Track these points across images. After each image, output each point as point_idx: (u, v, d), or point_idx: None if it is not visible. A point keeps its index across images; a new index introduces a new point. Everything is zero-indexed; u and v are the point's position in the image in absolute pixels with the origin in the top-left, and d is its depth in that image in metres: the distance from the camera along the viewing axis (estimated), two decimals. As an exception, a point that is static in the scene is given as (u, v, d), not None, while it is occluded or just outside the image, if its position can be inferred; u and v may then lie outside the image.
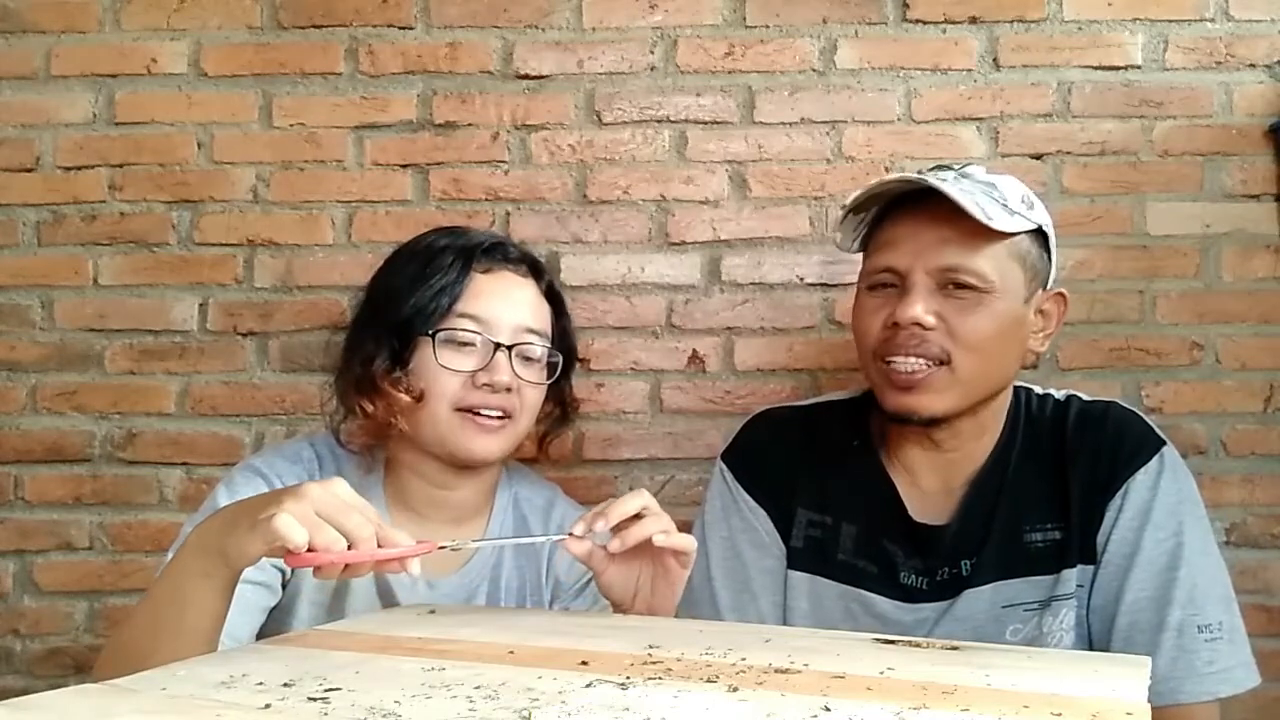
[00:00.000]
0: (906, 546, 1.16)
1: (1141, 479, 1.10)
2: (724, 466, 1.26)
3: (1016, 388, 1.20)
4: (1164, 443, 1.13)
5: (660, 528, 0.93)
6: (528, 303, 1.16)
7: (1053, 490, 1.14)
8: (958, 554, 1.14)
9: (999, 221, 1.05)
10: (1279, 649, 1.48)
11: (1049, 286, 1.15)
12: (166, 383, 1.62)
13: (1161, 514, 1.09)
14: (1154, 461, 1.11)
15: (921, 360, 1.07)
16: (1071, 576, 1.11)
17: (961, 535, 1.14)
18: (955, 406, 1.09)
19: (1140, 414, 1.17)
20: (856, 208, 1.13)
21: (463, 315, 1.11)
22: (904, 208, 1.11)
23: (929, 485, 1.18)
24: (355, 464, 1.16)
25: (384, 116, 1.62)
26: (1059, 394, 1.21)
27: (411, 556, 0.84)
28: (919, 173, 1.13)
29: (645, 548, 0.95)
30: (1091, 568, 1.11)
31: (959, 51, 1.60)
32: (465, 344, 1.11)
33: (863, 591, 1.16)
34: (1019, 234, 1.08)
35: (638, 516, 0.93)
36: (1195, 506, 1.11)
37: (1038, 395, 1.21)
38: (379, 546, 0.82)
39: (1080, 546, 1.11)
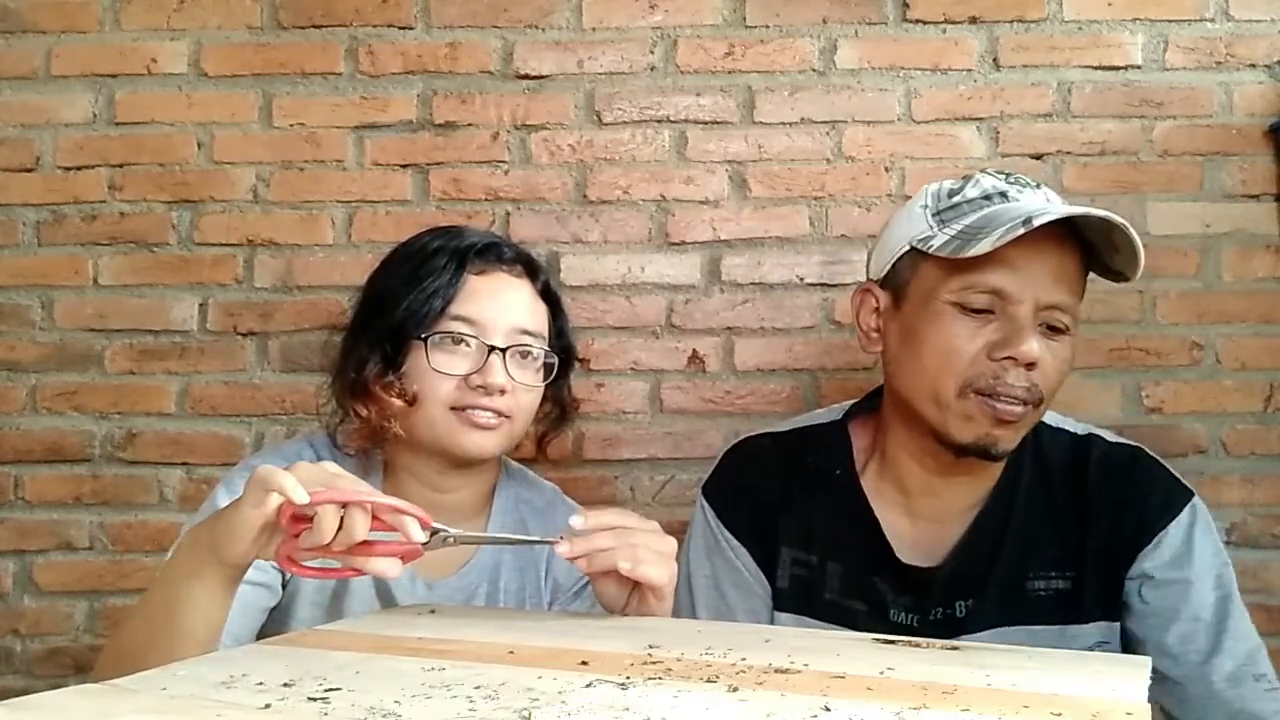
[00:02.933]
0: (895, 584, 1.11)
1: (1174, 532, 1.05)
2: (705, 503, 1.20)
3: None
4: (1192, 494, 1.08)
5: (627, 560, 0.88)
6: (522, 303, 1.15)
7: (1063, 538, 1.08)
8: (952, 595, 1.09)
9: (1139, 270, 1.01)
10: (1279, 648, 1.47)
11: None
12: (166, 383, 1.62)
13: (1201, 567, 1.04)
14: (1185, 513, 1.06)
15: (1025, 403, 1.01)
16: (1086, 632, 1.07)
17: (956, 577, 1.09)
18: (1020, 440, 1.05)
19: (1165, 464, 1.11)
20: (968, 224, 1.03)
21: (456, 318, 1.11)
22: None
23: (924, 511, 1.12)
24: (353, 466, 1.15)
25: (384, 116, 1.62)
26: (1077, 428, 1.14)
27: (409, 515, 0.81)
28: (1018, 181, 1.07)
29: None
30: (1116, 625, 1.08)
31: (959, 51, 1.60)
32: (458, 345, 1.11)
33: (852, 632, 1.09)
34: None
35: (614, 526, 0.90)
36: (1225, 564, 1.06)
37: (1051, 428, 1.13)
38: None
39: (1100, 603, 1.06)
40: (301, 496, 0.79)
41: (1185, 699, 1.03)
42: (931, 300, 1.04)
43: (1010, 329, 1.00)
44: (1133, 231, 0.97)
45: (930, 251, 1.04)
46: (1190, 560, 1.05)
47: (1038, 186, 1.07)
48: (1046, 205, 1.03)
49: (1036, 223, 0.96)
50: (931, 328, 1.04)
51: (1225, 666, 1.01)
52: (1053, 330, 1.02)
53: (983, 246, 0.98)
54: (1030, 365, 0.99)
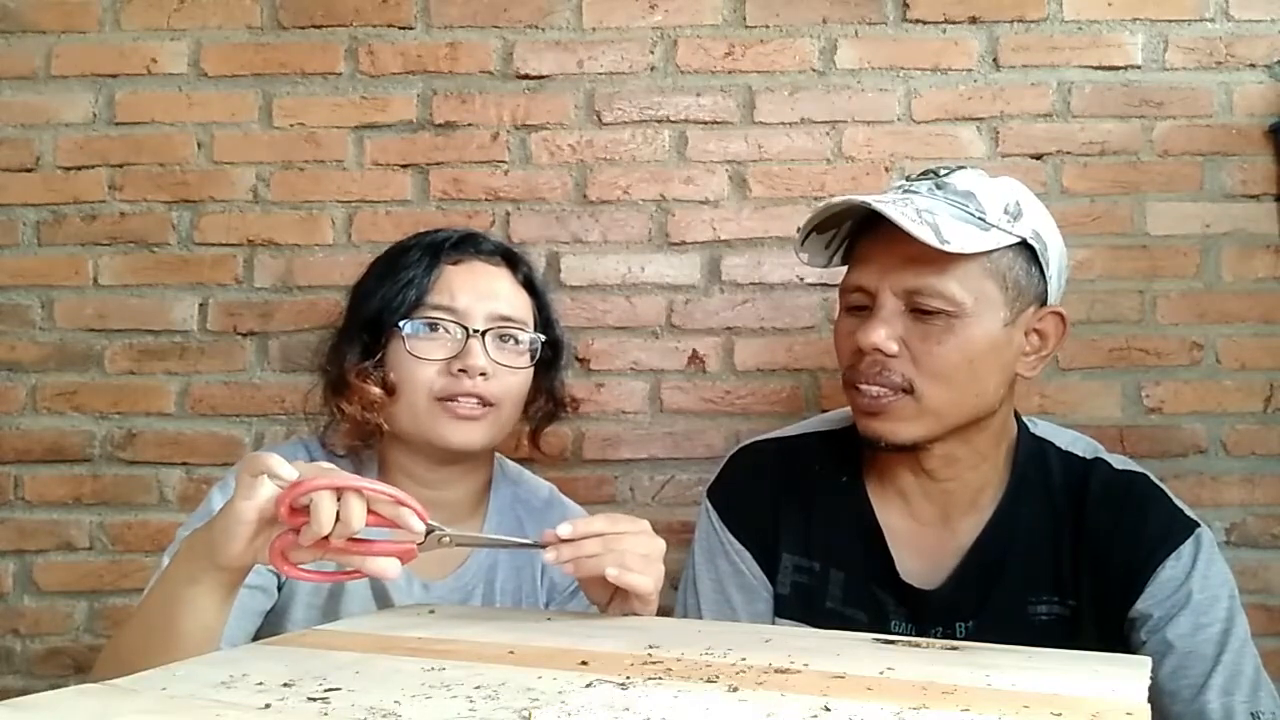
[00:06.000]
0: (895, 597, 1.10)
1: (1171, 567, 1.03)
2: (709, 505, 1.21)
3: (1039, 439, 1.13)
4: (1195, 526, 1.05)
5: (614, 567, 0.88)
6: (501, 290, 1.15)
7: (1063, 564, 1.07)
8: (952, 616, 1.08)
9: (958, 242, 0.97)
10: (1279, 648, 1.47)
11: (1049, 303, 1.07)
12: (166, 383, 1.62)
13: (1202, 600, 1.01)
14: (1187, 546, 1.03)
15: (883, 389, 1.02)
16: None
17: (954, 599, 1.08)
18: (926, 434, 1.04)
19: (1169, 492, 1.09)
20: (821, 225, 1.08)
21: (433, 306, 1.11)
22: (875, 222, 1.03)
23: (924, 515, 1.11)
24: (347, 466, 1.15)
25: (384, 116, 1.62)
26: (1086, 451, 1.12)
27: (406, 506, 0.80)
28: (909, 178, 1.09)
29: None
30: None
31: (959, 51, 1.60)
32: (436, 330, 1.10)
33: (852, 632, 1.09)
34: (992, 251, 1.01)
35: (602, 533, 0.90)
36: (1232, 595, 1.03)
37: (1059, 449, 1.12)
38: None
39: (1099, 635, 1.03)
40: (289, 471, 0.79)
41: None
42: (839, 308, 1.12)
43: (866, 320, 1.04)
44: (871, 203, 1.00)
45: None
46: (1189, 595, 1.02)
47: (935, 176, 1.06)
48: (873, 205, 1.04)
49: (804, 223, 1.08)
50: (835, 332, 1.12)
51: (1219, 702, 0.98)
52: (925, 313, 1.02)
53: (804, 256, 1.13)
54: (877, 350, 1.02)
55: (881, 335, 1.01)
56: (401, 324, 1.10)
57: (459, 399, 1.09)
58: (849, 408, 1.23)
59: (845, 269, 1.12)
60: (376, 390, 1.09)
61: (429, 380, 1.09)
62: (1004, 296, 1.02)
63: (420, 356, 1.09)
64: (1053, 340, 1.08)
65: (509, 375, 1.12)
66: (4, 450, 1.62)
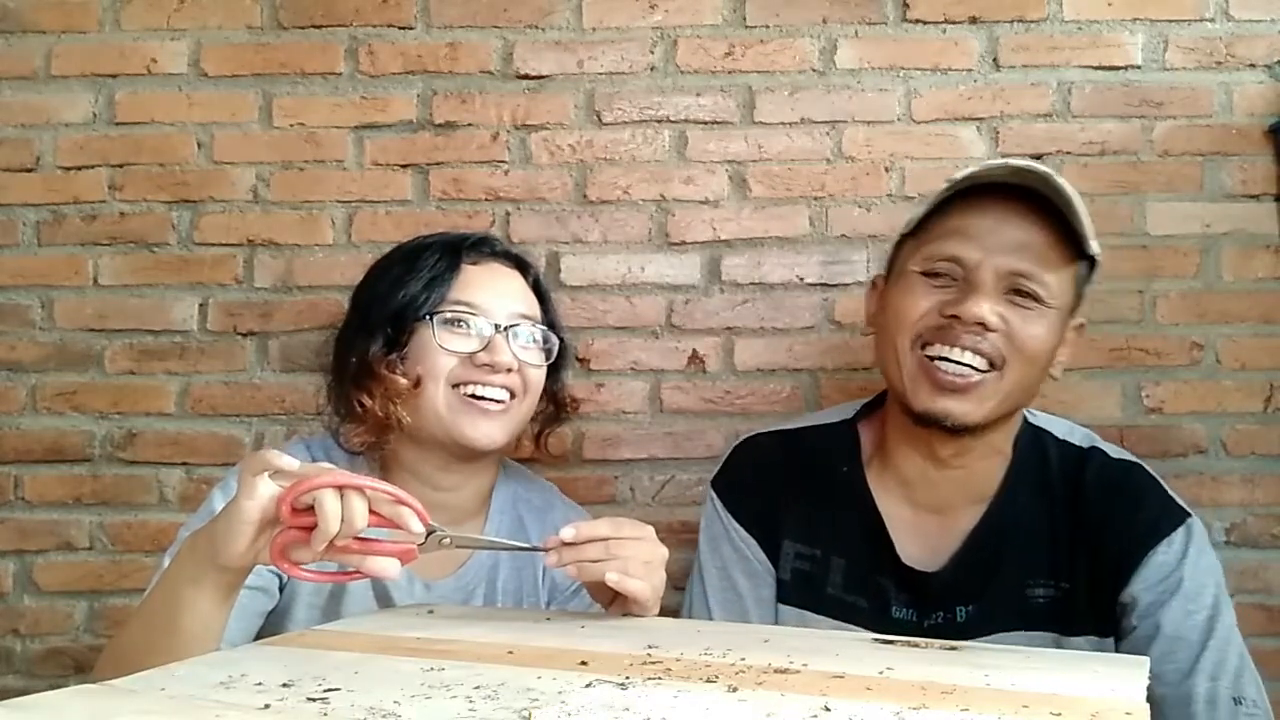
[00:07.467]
0: (897, 582, 1.13)
1: (1163, 553, 1.05)
2: (713, 494, 1.24)
3: (1037, 428, 1.16)
4: (1187, 515, 1.08)
5: (615, 573, 0.88)
6: (518, 291, 1.18)
7: (1059, 548, 1.10)
8: (952, 600, 1.11)
9: (1093, 243, 1.03)
10: (1279, 649, 1.47)
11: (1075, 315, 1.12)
12: (166, 383, 1.62)
13: (1192, 587, 1.04)
14: (1179, 534, 1.06)
15: (978, 358, 1.03)
16: (1076, 645, 1.07)
17: (955, 583, 1.11)
18: (989, 416, 1.05)
19: (1162, 482, 1.12)
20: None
21: (458, 302, 1.12)
22: (983, 197, 1.05)
23: (925, 502, 1.13)
24: (363, 465, 1.15)
25: (384, 116, 1.62)
26: (1082, 440, 1.16)
27: (407, 505, 0.81)
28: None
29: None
30: (1110, 641, 1.08)
31: (959, 51, 1.60)
32: (464, 325, 1.12)
33: (854, 628, 1.11)
34: (1090, 258, 1.06)
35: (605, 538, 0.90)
36: (1219, 584, 1.06)
37: (1057, 438, 1.16)
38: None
39: (1092, 618, 1.07)
40: (291, 463, 0.80)
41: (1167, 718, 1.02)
42: (903, 273, 1.10)
43: (964, 291, 1.04)
44: (1060, 182, 1.00)
45: (904, 231, 1.12)
46: (1179, 581, 1.04)
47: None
48: (995, 174, 1.04)
49: (959, 175, 1.03)
50: (897, 293, 1.10)
51: (1204, 686, 1.01)
52: (1021, 296, 1.03)
53: (920, 212, 1.08)
54: (979, 325, 1.02)
55: (987, 309, 1.02)
56: (432, 316, 1.11)
57: (483, 392, 1.10)
58: (848, 403, 1.25)
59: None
60: (404, 380, 1.10)
61: (452, 370, 1.11)
62: (1072, 302, 1.07)
63: (448, 349, 1.10)
64: (1071, 349, 1.12)
65: (531, 371, 1.15)
66: (4, 450, 1.62)
